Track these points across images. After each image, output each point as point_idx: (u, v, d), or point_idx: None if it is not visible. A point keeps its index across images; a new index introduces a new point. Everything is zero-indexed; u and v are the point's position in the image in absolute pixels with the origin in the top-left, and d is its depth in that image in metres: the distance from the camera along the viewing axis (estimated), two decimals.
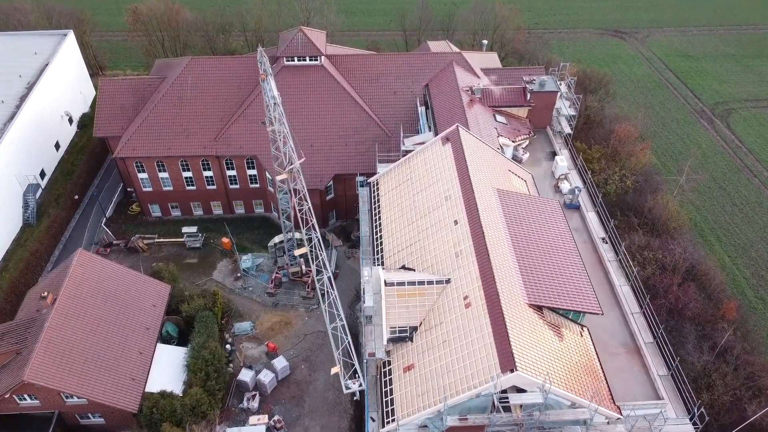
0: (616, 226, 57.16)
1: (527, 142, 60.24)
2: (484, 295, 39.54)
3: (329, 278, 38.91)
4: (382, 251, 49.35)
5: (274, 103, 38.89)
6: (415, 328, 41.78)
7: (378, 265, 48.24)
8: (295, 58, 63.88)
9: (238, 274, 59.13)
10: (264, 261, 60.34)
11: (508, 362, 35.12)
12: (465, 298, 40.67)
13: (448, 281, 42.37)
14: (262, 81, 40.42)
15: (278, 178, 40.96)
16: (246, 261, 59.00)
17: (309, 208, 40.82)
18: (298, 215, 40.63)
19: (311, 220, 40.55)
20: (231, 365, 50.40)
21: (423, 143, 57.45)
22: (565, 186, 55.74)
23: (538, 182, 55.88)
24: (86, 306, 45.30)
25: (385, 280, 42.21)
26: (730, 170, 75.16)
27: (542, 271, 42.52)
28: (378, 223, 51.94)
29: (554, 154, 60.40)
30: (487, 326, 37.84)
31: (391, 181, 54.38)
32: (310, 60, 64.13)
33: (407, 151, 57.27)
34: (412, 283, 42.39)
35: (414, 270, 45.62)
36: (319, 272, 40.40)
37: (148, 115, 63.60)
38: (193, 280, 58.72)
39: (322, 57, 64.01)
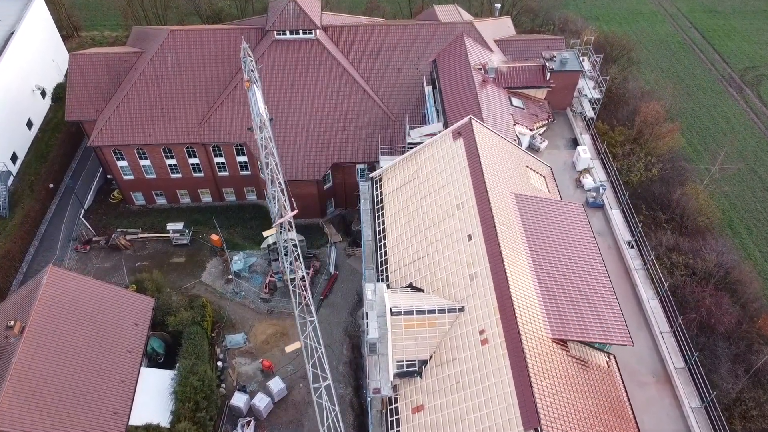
0: (641, 222, 52.27)
1: (546, 128, 54.46)
2: (503, 331, 35.11)
3: (324, 373, 33.73)
4: (386, 263, 44.60)
5: (261, 121, 32.78)
6: (424, 362, 37.69)
7: (382, 280, 43.66)
8: (287, 32, 56.93)
9: (229, 276, 54.46)
10: (257, 260, 55.57)
11: (531, 418, 31.06)
12: (481, 332, 36.27)
13: (461, 309, 37.87)
14: (247, 89, 34.23)
15: (266, 233, 35.49)
16: (237, 262, 54.17)
17: (304, 276, 35.07)
18: (290, 285, 35.00)
19: (306, 297, 34.87)
20: (223, 385, 46.55)
21: (431, 134, 51.75)
22: (587, 182, 50.44)
23: (557, 174, 50.60)
24: (60, 332, 40.85)
25: (391, 309, 37.61)
26: (761, 149, 69.22)
27: (567, 297, 37.93)
28: (381, 228, 46.93)
29: (575, 140, 54.74)
30: (507, 370, 33.62)
31: (396, 179, 48.97)
32: (304, 33, 57.17)
33: (412, 143, 51.59)
34: (422, 312, 37.80)
35: (423, 290, 41.07)
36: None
37: (124, 97, 57.23)
38: (180, 282, 54.11)
39: (317, 30, 57.03)
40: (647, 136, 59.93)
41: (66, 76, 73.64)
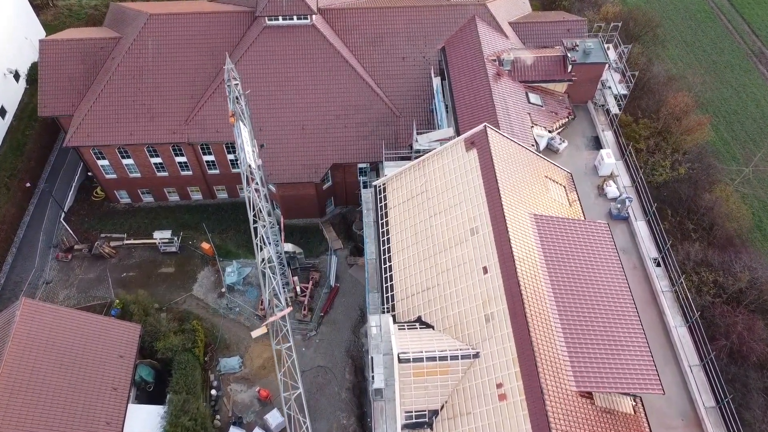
0: (667, 231, 48.19)
1: (565, 126, 49.61)
2: (524, 387, 31.73)
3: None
4: (391, 290, 40.80)
5: (249, 171, 27.97)
6: (435, 413, 34.51)
7: (387, 310, 39.97)
8: (280, 17, 51.08)
9: (222, 290, 50.69)
10: (252, 270, 51.66)
11: None
12: (498, 386, 32.86)
13: (476, 356, 34.34)
14: (232, 126, 29.23)
15: (254, 333, 31.24)
16: (231, 275, 50.25)
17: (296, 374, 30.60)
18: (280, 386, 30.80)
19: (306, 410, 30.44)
20: (218, 417, 43.53)
21: (441, 140, 47.00)
22: (611, 190, 46.05)
23: (578, 180, 46.28)
24: (37, 374, 37.40)
25: (399, 356, 34.07)
26: None
27: (593, 341, 34.36)
28: (386, 247, 42.88)
29: (596, 139, 49.99)
30: None
31: (402, 191, 44.59)
32: (299, 19, 51.34)
33: (420, 150, 46.89)
34: (432, 359, 34.27)
35: (432, 327, 37.48)
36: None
37: (101, 91, 51.93)
38: (170, 296, 50.37)
39: (314, 15, 51.16)
40: (674, 129, 55.03)
41: None
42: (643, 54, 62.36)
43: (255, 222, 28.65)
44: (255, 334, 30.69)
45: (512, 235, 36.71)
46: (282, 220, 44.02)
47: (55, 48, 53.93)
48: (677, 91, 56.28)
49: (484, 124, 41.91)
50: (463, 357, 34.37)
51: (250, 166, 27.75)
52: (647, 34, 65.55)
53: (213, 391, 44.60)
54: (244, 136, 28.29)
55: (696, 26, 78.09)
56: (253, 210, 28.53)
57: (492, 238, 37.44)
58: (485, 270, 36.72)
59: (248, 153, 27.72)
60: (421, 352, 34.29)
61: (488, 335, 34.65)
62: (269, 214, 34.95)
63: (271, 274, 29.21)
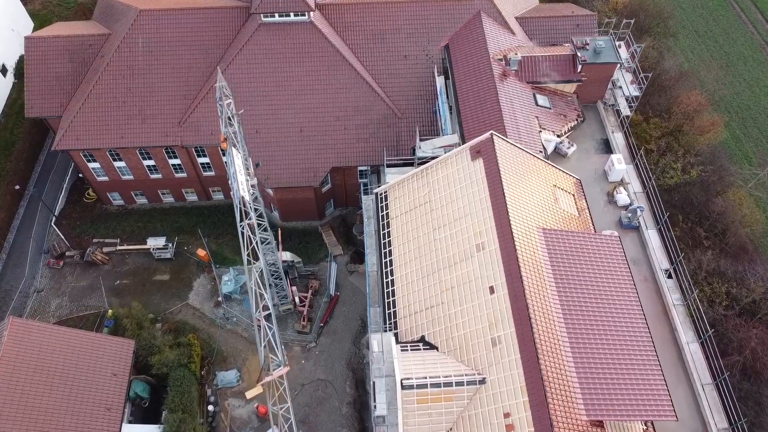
0: (678, 238, 46.51)
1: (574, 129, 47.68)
2: (533, 419, 30.43)
3: None
4: (393, 306, 39.29)
5: (242, 202, 26.03)
6: None
7: (389, 328, 38.52)
8: (276, 14, 48.71)
9: (218, 298, 49.16)
10: None
11: None
12: (506, 416, 31.57)
13: (482, 382, 32.97)
14: (222, 153, 27.33)
15: (249, 394, 29.48)
16: (227, 283, 48.64)
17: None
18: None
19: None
20: None
21: (445, 146, 45.07)
22: (621, 197, 44.32)
23: (587, 186, 44.59)
24: (26, 397, 36.03)
25: (402, 382, 32.70)
26: None
27: (604, 366, 32.98)
28: (388, 260, 41.28)
29: (606, 142, 48.11)
30: None
31: (404, 200, 42.84)
32: (296, 15, 48.96)
33: (423, 158, 44.99)
34: (437, 385, 32.90)
35: (437, 349, 36.05)
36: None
37: (91, 91, 49.78)
38: (165, 305, 48.88)
39: (312, 12, 48.77)
40: (686, 128, 52.97)
41: None
42: (654, 48, 59.95)
43: (250, 263, 26.87)
44: (250, 394, 29.12)
45: (520, 253, 35.09)
46: (280, 227, 42.23)
47: (42, 46, 51.58)
48: (690, 89, 54.05)
49: (490, 132, 40.01)
50: (469, 383, 32.99)
51: (243, 198, 25.84)
52: (658, 26, 63.01)
53: (210, 407, 43.35)
54: (237, 164, 26.30)
55: (708, 15, 75.36)
56: (248, 249, 26.71)
57: (499, 255, 35.84)
58: (492, 290, 35.18)
59: (241, 183, 25.78)
60: (425, 378, 32.92)
61: (495, 360, 33.24)
62: (266, 230, 33.11)
63: (266, 326, 27.52)
